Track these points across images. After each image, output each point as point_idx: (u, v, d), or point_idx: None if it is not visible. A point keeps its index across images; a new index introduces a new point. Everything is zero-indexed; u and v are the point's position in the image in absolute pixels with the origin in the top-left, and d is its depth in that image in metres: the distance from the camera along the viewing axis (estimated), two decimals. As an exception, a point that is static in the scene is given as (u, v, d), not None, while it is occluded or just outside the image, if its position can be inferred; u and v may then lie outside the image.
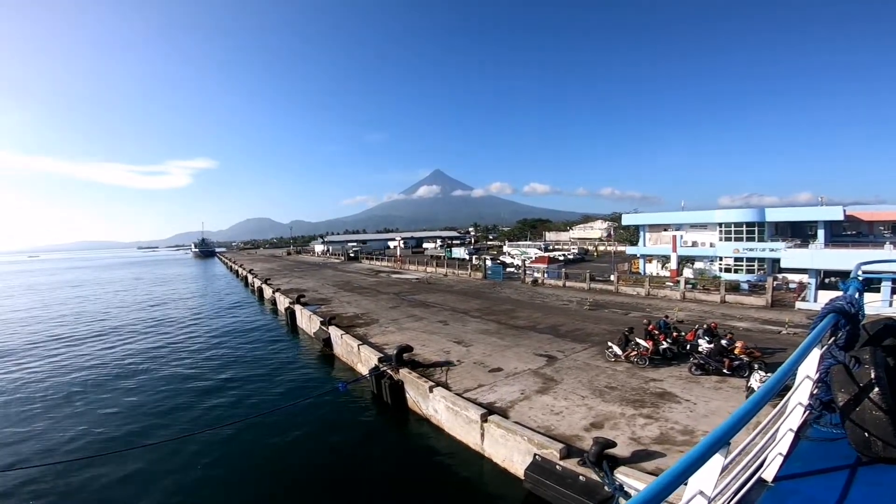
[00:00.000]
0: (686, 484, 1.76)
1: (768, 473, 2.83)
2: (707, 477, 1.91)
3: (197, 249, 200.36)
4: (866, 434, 2.65)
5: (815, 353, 2.95)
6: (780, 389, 2.28)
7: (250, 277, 63.32)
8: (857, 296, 3.40)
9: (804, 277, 30.69)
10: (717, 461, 1.87)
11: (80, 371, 23.55)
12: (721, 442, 1.79)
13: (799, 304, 27.83)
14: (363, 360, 20.21)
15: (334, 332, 24.55)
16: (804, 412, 3.07)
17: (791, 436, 2.98)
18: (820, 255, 29.69)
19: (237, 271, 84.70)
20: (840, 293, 3.47)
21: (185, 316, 40.90)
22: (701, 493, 1.93)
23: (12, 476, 12.78)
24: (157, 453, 13.73)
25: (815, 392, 3.13)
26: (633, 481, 9.13)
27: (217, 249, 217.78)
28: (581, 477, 9.84)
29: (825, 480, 2.73)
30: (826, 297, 26.63)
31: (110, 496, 11.96)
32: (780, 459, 2.89)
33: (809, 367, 2.96)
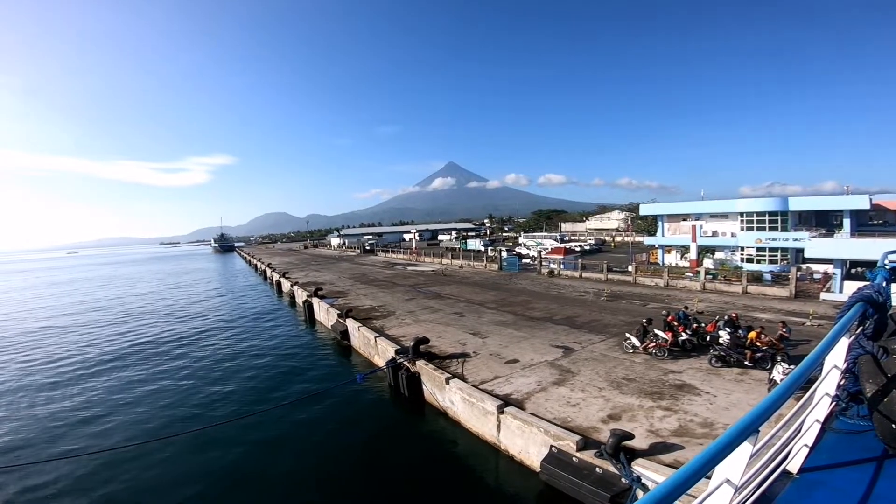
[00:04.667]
0: (710, 473, 1.75)
1: (793, 465, 2.78)
2: (734, 465, 1.89)
3: (217, 244, 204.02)
4: (894, 426, 2.58)
5: (843, 343, 2.87)
6: (807, 380, 2.24)
7: (269, 271, 64.28)
8: (884, 285, 3.30)
9: (829, 268, 29.85)
10: (745, 449, 1.85)
11: (99, 362, 24.32)
12: (750, 429, 1.76)
13: (824, 295, 27.08)
14: (380, 352, 20.40)
15: (351, 325, 24.81)
16: (831, 403, 3.01)
17: (817, 427, 2.92)
18: (845, 245, 28.82)
19: (256, 265, 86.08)
20: (867, 282, 3.38)
21: (206, 309, 41.81)
22: (728, 481, 1.91)
23: (45, 467, 13.31)
24: (177, 445, 14.03)
25: (842, 383, 3.06)
26: (651, 473, 9.07)
27: (236, 244, 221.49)
28: (598, 469, 9.82)
29: (851, 473, 2.67)
30: (852, 287, 25.87)
31: (132, 489, 12.29)
32: (805, 451, 2.84)
33: (837, 357, 2.88)
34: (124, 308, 44.58)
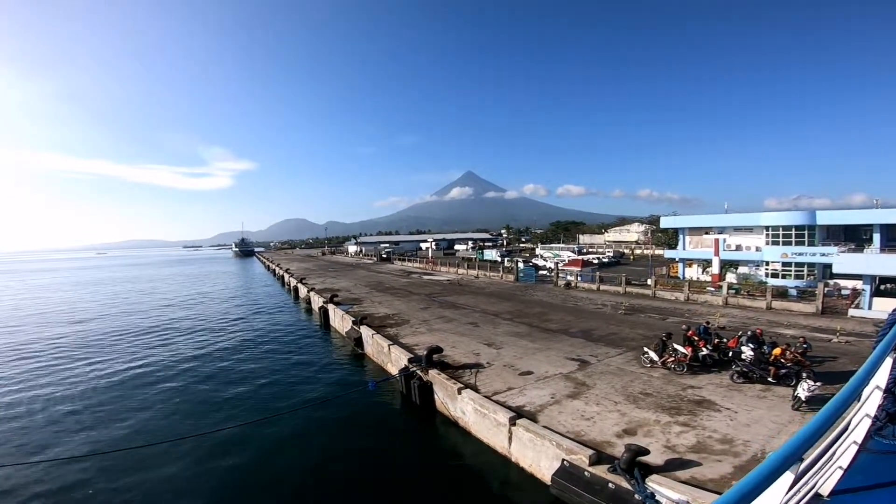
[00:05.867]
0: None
1: (825, 488, 2.64)
2: (774, 495, 1.77)
3: (237, 249, 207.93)
4: None
5: (888, 363, 2.74)
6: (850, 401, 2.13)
7: (286, 277, 65.13)
8: None
9: (858, 284, 28.86)
10: (786, 478, 1.74)
11: (118, 361, 24.85)
12: (794, 457, 1.66)
13: (852, 312, 26.14)
14: (393, 360, 20.37)
15: (365, 332, 24.87)
16: (869, 424, 2.86)
17: (854, 449, 2.78)
18: (876, 261, 27.85)
19: (274, 270, 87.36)
20: None
21: (224, 313, 42.49)
22: None
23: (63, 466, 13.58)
24: (190, 446, 14.15)
25: (880, 403, 2.92)
26: (666, 490, 8.78)
27: (256, 249, 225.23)
28: (611, 484, 9.54)
29: (886, 495, 2.53)
30: (882, 304, 24.93)
31: (144, 489, 12.40)
32: (839, 473, 2.70)
33: (880, 377, 2.74)
34: (145, 310, 45.60)
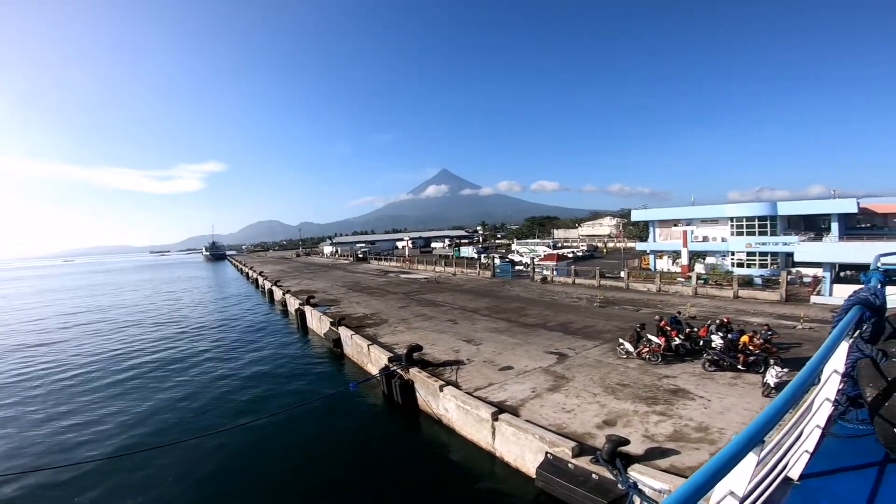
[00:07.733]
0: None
1: (794, 472, 2.74)
2: (740, 477, 1.84)
3: (208, 253, 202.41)
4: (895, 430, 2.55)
5: (843, 347, 2.84)
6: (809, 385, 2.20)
7: (260, 280, 63.81)
8: (879, 287, 3.28)
9: (819, 271, 30.21)
10: (751, 460, 1.80)
11: (88, 372, 23.88)
12: (756, 439, 1.71)
13: (814, 299, 27.37)
14: (373, 360, 20.23)
15: (344, 333, 24.61)
16: (830, 408, 2.97)
17: (818, 433, 2.89)
18: (835, 249, 29.21)
19: (247, 274, 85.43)
20: (859, 286, 3.36)
21: (196, 319, 41.31)
22: (731, 493, 1.86)
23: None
24: (167, 455, 13.70)
25: (840, 387, 3.03)
26: (647, 479, 9.01)
27: (227, 252, 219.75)
28: (594, 475, 9.74)
29: (853, 478, 2.64)
30: (841, 290, 26.17)
31: (124, 498, 12.03)
32: (806, 457, 2.80)
33: (837, 362, 2.86)
34: (112, 317, 43.91)
